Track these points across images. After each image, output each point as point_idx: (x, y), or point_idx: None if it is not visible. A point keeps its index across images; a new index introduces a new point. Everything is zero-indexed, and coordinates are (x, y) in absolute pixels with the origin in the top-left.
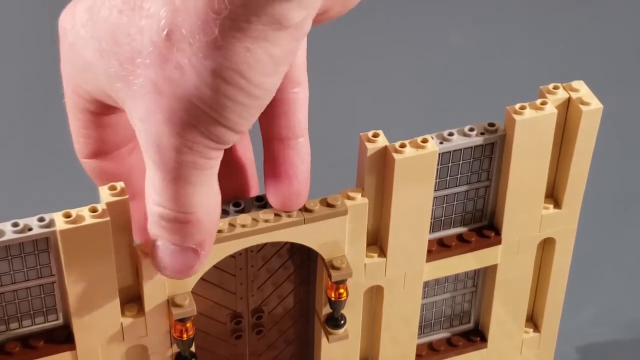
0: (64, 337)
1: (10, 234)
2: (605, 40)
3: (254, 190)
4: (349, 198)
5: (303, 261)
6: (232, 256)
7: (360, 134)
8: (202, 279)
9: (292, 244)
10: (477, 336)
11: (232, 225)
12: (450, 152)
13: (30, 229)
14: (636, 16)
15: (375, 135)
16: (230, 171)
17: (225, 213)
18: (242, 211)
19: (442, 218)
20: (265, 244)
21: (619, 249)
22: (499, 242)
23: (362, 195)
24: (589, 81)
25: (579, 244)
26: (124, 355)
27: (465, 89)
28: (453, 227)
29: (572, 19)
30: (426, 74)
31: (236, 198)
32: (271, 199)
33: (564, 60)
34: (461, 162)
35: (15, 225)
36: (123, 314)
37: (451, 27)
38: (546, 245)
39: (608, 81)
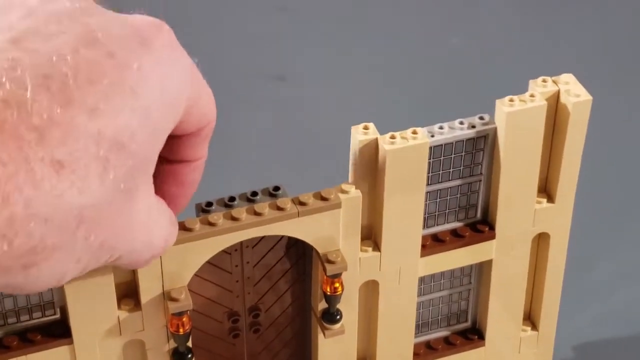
0: (61, 331)
1: None
2: (598, 36)
3: None
4: (343, 191)
5: (299, 257)
6: (228, 253)
7: (352, 126)
8: (198, 276)
9: (288, 241)
10: (474, 335)
11: (226, 218)
12: (441, 145)
13: None
14: (629, 12)
15: (366, 128)
16: None
17: (219, 206)
18: (236, 205)
19: (436, 213)
20: (261, 239)
21: (618, 248)
22: (493, 237)
23: (356, 188)
24: (583, 77)
25: (576, 242)
26: (121, 350)
27: (464, 87)
28: (447, 222)
29: (565, 15)
30: (415, 69)
31: None
32: None
33: (554, 56)
34: (453, 155)
35: None
36: (119, 307)
37: (445, 23)
38: (541, 241)
39: (600, 76)
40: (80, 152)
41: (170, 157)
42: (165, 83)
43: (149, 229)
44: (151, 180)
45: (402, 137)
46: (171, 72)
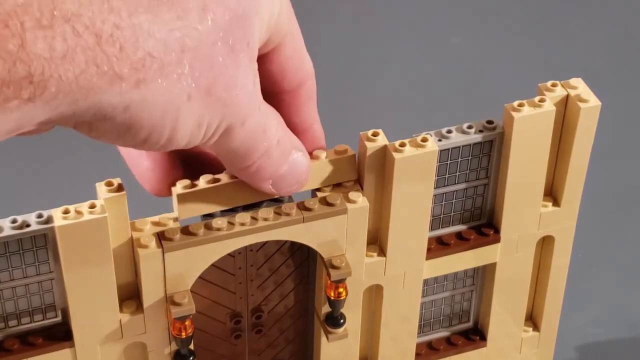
0: (62, 333)
1: (8, 230)
2: (604, 38)
3: None
4: (350, 201)
5: (303, 260)
6: (232, 255)
7: (360, 133)
8: (201, 278)
9: (292, 243)
10: (476, 335)
11: (231, 223)
12: (449, 149)
13: (28, 225)
14: (634, 14)
15: (375, 135)
16: None
17: (224, 211)
18: (241, 210)
19: (441, 216)
20: (265, 242)
21: (618, 248)
22: (497, 240)
23: (362, 195)
24: (587, 79)
25: (578, 243)
26: (123, 353)
27: (465, 87)
28: (452, 225)
29: (571, 17)
30: (425, 73)
31: None
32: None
33: (562, 59)
34: (460, 159)
35: (13, 221)
36: (121, 310)
37: (450, 26)
38: (545, 244)
39: (607, 79)
40: None
41: None
42: None
43: (259, 110)
44: (253, 54)
45: (412, 145)
46: None
